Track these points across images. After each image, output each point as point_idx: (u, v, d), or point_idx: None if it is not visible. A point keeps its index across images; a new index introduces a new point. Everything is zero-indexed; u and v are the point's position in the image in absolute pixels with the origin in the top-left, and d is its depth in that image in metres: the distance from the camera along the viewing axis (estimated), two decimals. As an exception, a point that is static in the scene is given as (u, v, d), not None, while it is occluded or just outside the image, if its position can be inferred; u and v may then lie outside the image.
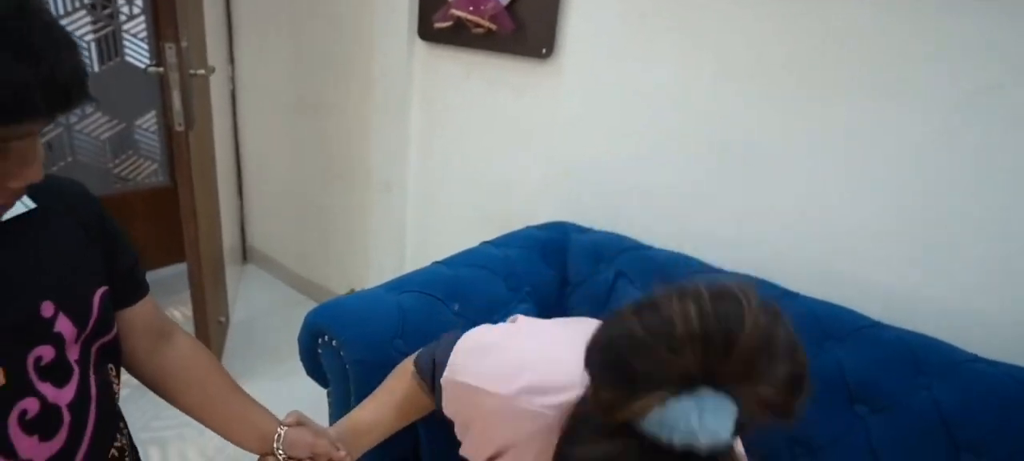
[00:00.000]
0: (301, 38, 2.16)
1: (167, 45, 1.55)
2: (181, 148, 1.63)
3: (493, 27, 1.49)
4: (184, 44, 1.57)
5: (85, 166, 2.29)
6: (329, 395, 1.12)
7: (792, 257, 1.22)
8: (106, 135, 2.35)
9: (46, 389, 0.55)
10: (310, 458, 0.76)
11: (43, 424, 0.55)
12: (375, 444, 0.85)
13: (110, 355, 0.67)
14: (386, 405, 0.86)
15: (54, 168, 2.17)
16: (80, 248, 0.61)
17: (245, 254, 2.80)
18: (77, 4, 2.10)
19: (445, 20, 1.59)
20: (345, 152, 2.13)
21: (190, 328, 1.84)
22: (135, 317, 0.70)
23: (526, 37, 1.45)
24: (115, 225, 0.68)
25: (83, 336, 0.60)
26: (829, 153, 1.15)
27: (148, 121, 2.45)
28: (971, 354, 1.01)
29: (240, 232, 2.75)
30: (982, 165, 1.03)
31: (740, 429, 0.39)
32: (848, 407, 1.04)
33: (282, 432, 0.75)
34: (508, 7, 1.46)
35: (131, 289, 0.70)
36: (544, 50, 1.43)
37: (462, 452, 0.77)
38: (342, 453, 0.77)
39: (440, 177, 1.81)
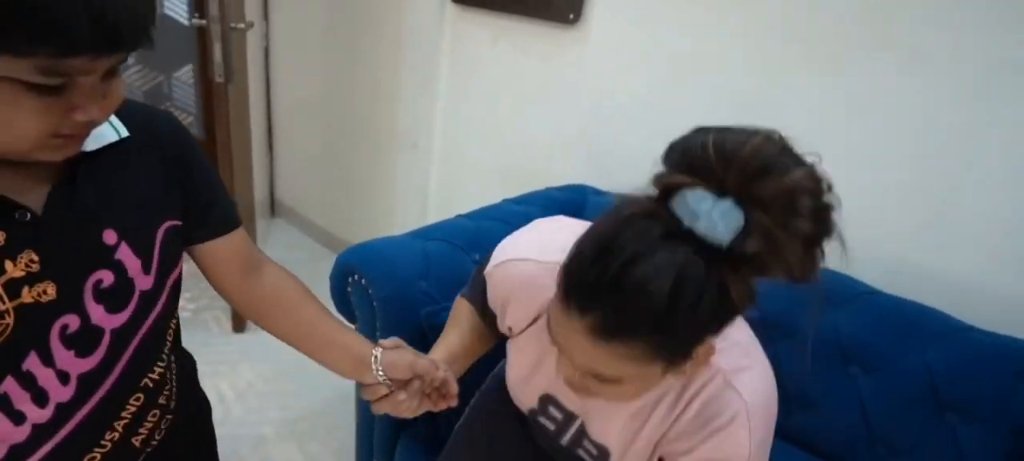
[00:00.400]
0: (334, -3, 2.22)
1: (210, -2, 1.63)
2: (220, 99, 1.71)
3: (522, -8, 1.53)
4: (226, -2, 1.64)
5: (126, 115, 2.39)
6: (356, 331, 1.21)
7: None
8: (145, 87, 2.45)
9: (96, 310, 0.59)
10: (412, 378, 0.76)
11: (82, 341, 0.58)
12: (467, 368, 0.88)
13: (179, 289, 0.69)
14: (466, 334, 0.87)
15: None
16: (155, 181, 0.63)
17: (273, 208, 2.91)
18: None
19: (475, -16, 1.64)
20: (373, 110, 2.20)
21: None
22: (220, 250, 0.72)
23: (553, 2, 1.50)
24: (200, 161, 0.69)
25: (154, 268, 0.62)
26: (846, 120, 1.19)
27: (185, 74, 2.54)
28: (966, 323, 1.06)
29: (269, 186, 2.85)
30: (997, 140, 1.06)
31: (760, 263, 0.49)
32: (842, 367, 1.11)
33: (378, 353, 0.75)
34: (537, -27, 1.50)
35: (211, 224, 0.70)
36: (571, 16, 1.47)
37: (504, 328, 0.82)
38: (441, 372, 0.78)
39: (465, 137, 1.87)
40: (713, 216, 0.48)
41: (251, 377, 1.83)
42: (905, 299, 1.11)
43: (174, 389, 0.73)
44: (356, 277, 1.13)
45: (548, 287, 0.60)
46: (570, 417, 0.80)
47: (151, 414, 0.69)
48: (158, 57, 2.43)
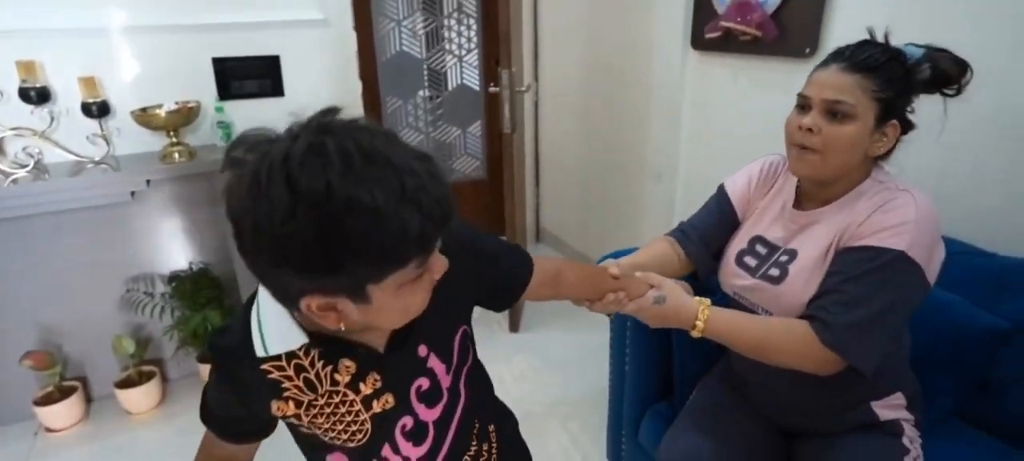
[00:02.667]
0: (591, 56, 2.62)
1: (502, 71, 2.14)
2: (508, 146, 2.21)
3: (758, 34, 1.69)
4: (513, 69, 2.14)
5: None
6: (612, 329, 1.50)
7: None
8: (448, 140, 3.19)
9: (420, 409, 0.74)
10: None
11: (415, 434, 0.75)
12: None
13: (475, 378, 0.82)
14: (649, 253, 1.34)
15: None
16: (450, 296, 0.70)
17: (539, 234, 3.43)
18: (433, 44, 2.93)
19: (714, 30, 1.84)
20: (624, 147, 2.52)
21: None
22: (529, 292, 0.85)
23: (789, 40, 1.62)
24: (478, 257, 0.77)
25: (452, 370, 0.76)
26: None
27: (475, 128, 3.23)
28: None
29: (536, 215, 3.39)
30: None
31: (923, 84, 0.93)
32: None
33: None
34: (773, 15, 1.65)
35: (508, 294, 0.84)
36: (807, 50, 1.58)
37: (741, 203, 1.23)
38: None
39: (708, 165, 2.06)
40: (913, 51, 0.93)
41: (524, 367, 2.26)
42: None
43: (494, 454, 0.88)
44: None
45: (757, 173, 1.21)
46: (773, 248, 1.06)
47: None
48: (458, 116, 3.16)
